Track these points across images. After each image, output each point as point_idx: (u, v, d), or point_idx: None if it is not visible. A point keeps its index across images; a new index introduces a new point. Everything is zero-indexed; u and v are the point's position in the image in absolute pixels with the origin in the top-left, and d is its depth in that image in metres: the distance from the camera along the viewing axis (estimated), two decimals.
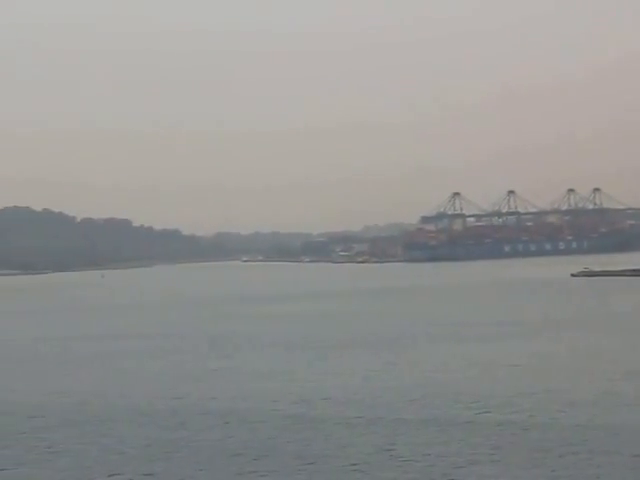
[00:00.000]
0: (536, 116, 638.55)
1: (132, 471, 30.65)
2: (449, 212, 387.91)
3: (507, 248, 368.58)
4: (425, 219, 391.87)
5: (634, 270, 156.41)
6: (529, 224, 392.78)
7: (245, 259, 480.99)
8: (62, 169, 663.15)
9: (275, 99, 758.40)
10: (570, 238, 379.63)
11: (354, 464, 30.36)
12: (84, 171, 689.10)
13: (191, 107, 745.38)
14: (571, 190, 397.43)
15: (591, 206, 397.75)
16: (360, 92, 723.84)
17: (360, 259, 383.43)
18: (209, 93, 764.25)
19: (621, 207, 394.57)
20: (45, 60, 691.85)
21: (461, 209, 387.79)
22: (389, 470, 29.64)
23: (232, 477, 29.51)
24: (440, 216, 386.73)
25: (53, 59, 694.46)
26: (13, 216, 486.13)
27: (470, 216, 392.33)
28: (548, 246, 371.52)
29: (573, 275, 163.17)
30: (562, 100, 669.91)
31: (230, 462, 31.32)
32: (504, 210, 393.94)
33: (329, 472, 29.52)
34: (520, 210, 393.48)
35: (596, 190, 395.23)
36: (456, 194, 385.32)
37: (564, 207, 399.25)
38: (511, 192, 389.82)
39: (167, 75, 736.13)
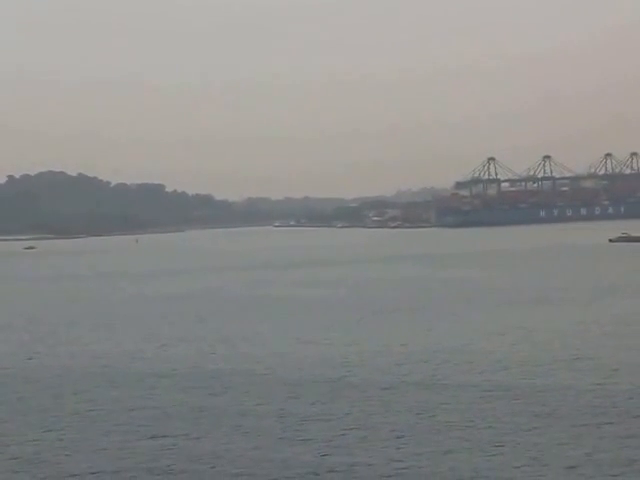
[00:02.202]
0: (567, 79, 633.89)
1: (176, 434, 30.72)
2: (484, 177, 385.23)
3: (542, 213, 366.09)
4: (459, 184, 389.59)
5: None
6: (565, 189, 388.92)
7: (277, 224, 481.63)
8: (96, 133, 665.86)
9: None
10: (606, 203, 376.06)
11: (395, 430, 30.32)
12: (118, 135, 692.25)
13: (221, 59, 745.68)
14: (608, 155, 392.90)
15: (628, 171, 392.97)
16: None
17: (393, 224, 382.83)
18: (254, 43, 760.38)
19: None
20: None
21: (496, 174, 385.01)
22: (432, 435, 29.50)
23: (276, 441, 29.47)
24: (475, 181, 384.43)
25: None
26: (48, 181, 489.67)
27: (505, 181, 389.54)
28: (584, 211, 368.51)
29: (611, 241, 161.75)
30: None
31: (274, 426, 31.43)
32: (539, 175, 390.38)
33: (374, 439, 29.38)
34: (555, 175, 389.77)
35: (634, 154, 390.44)
36: (491, 159, 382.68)
37: (601, 172, 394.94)
38: (547, 157, 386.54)
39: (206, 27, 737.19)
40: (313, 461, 26.91)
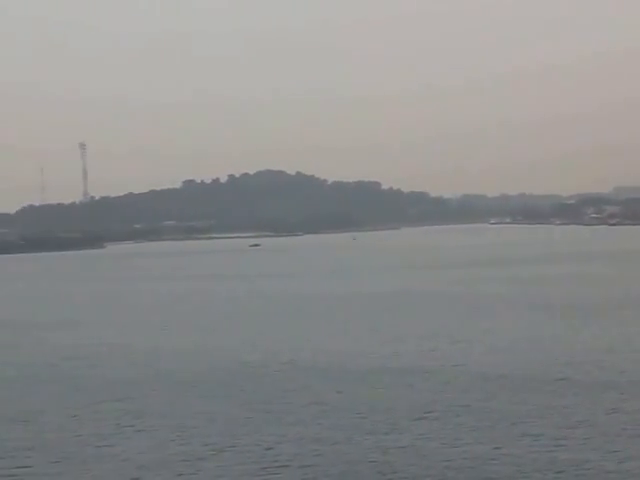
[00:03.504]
0: None
1: (405, 431, 31.16)
2: None
3: None
4: None
5: None
6: None
7: (493, 222, 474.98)
8: (312, 133, 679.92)
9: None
10: None
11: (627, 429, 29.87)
12: (332, 134, 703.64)
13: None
14: None
15: None
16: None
17: (612, 221, 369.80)
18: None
19: None
20: None
21: None
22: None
23: (510, 438, 29.53)
24: None
25: None
26: (267, 179, 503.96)
27: None
28: None
29: None
30: None
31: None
32: None
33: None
34: None
35: None
36: None
37: None
38: None
39: None
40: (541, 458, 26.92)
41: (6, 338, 63.00)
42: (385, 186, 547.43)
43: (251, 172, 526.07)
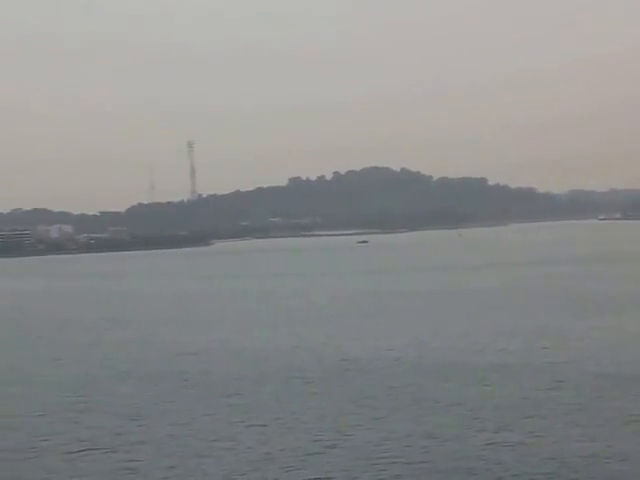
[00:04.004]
0: None
1: (515, 428, 31.04)
2: None
3: None
4: None
5: None
6: None
7: (601, 217, 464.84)
8: (417, 130, 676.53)
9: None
10: None
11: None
12: (438, 131, 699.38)
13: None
14: None
15: None
16: None
17: None
18: None
19: None
20: None
21: None
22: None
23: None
24: None
25: None
26: (372, 176, 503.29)
27: None
28: None
29: None
30: None
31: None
32: None
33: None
34: None
35: None
36: None
37: None
38: None
39: None
40: None
41: (120, 334, 64.58)
42: (491, 182, 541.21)
43: (357, 169, 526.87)
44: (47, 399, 39.46)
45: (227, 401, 37.58)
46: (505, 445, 28.82)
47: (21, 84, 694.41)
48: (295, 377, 42.79)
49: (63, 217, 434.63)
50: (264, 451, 29.18)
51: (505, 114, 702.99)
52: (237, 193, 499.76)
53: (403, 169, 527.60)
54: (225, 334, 61.60)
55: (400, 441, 29.75)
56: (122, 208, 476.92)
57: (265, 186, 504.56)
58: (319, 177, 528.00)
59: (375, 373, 42.99)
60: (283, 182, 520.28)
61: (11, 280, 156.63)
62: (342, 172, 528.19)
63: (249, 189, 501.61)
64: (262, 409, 35.68)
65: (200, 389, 40.67)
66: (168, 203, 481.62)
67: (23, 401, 39.32)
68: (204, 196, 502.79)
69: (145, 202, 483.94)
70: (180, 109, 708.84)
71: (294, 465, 27.60)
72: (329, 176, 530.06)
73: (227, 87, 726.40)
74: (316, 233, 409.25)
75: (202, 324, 68.98)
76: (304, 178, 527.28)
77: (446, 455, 27.92)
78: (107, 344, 58.89)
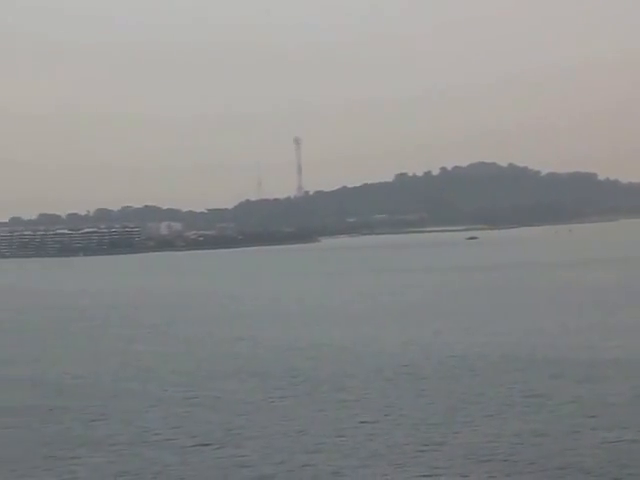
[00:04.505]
0: None
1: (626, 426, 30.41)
2: None
3: None
4: None
5: None
6: None
7: None
8: (523, 124, 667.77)
9: None
10: None
11: None
12: (545, 125, 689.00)
13: None
14: None
15: None
16: None
17: None
18: None
19: None
20: None
21: None
22: None
23: None
24: None
25: None
26: (479, 171, 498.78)
27: None
28: None
29: None
30: None
31: None
32: None
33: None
34: None
35: None
36: None
37: None
38: None
39: None
40: None
41: (229, 331, 65.32)
42: (601, 177, 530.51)
43: (463, 164, 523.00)
44: (158, 394, 40.04)
45: (335, 397, 37.57)
46: (620, 443, 28.16)
47: (139, 92, 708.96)
48: (403, 373, 42.69)
49: (172, 214, 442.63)
50: (373, 447, 29.08)
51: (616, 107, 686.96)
52: (343, 189, 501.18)
53: (510, 164, 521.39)
54: (334, 330, 61.79)
55: (510, 438, 29.35)
56: (229, 205, 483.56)
57: (371, 182, 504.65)
58: (425, 173, 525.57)
59: (483, 370, 42.61)
60: (389, 178, 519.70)
61: (126, 277, 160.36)
62: (449, 168, 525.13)
63: (355, 185, 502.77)
64: (371, 405, 35.58)
65: (308, 385, 40.81)
66: (275, 200, 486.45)
67: (136, 396, 40.00)
68: (311, 193, 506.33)
69: (252, 199, 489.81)
70: (288, 106, 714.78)
71: (403, 462, 27.43)
72: (436, 172, 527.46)
73: (333, 82, 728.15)
74: (422, 229, 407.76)
75: (311, 320, 69.32)
76: (410, 174, 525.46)
77: (557, 452, 27.44)
78: (218, 340, 59.46)
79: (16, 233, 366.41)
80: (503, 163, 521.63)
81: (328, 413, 34.62)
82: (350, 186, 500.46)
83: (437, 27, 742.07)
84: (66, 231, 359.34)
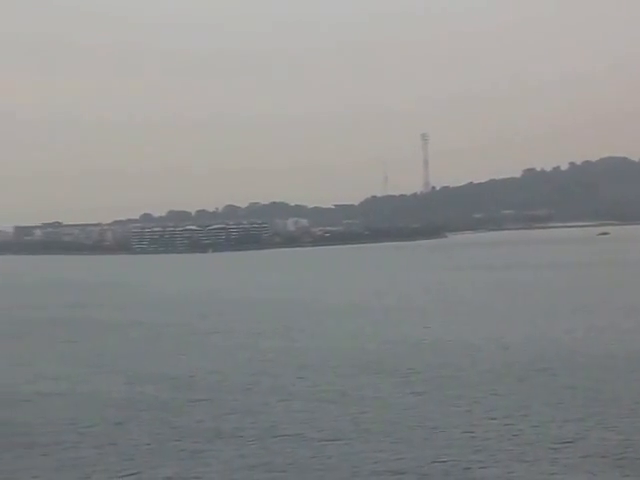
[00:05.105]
0: None
1: None
2: None
3: None
4: None
5: None
6: None
7: None
8: None
9: None
10: None
11: None
12: None
13: None
14: None
15: None
16: None
17: None
18: None
19: None
20: None
21: None
22: None
23: None
24: None
25: None
26: (610, 166, 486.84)
27: None
28: None
29: None
30: None
31: None
32: None
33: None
34: None
35: None
36: None
37: None
38: None
39: None
40: None
41: (341, 325, 65.52)
42: None
43: (593, 159, 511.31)
44: (287, 389, 40.67)
45: (464, 393, 37.37)
46: None
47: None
48: (533, 370, 42.27)
49: (298, 210, 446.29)
50: (503, 444, 28.95)
51: None
52: (470, 185, 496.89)
53: None
54: (460, 326, 61.58)
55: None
56: (356, 201, 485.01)
57: (498, 178, 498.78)
58: (554, 168, 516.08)
59: (618, 368, 41.91)
60: (517, 173, 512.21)
61: (265, 272, 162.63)
62: (578, 162, 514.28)
63: (482, 181, 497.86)
64: (501, 402, 35.37)
65: (437, 381, 40.77)
66: (401, 196, 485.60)
67: (265, 390, 40.76)
68: (437, 188, 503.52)
69: (378, 195, 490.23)
70: (416, 102, 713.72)
71: (533, 459, 27.21)
72: (564, 167, 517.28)
73: (458, 77, 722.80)
74: (551, 225, 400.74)
75: (439, 315, 68.98)
76: (538, 169, 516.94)
77: None
78: (344, 335, 59.73)
79: (147, 230, 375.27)
80: (634, 158, 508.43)
81: (457, 409, 34.48)
82: (476, 182, 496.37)
83: None
84: (195, 227, 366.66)
